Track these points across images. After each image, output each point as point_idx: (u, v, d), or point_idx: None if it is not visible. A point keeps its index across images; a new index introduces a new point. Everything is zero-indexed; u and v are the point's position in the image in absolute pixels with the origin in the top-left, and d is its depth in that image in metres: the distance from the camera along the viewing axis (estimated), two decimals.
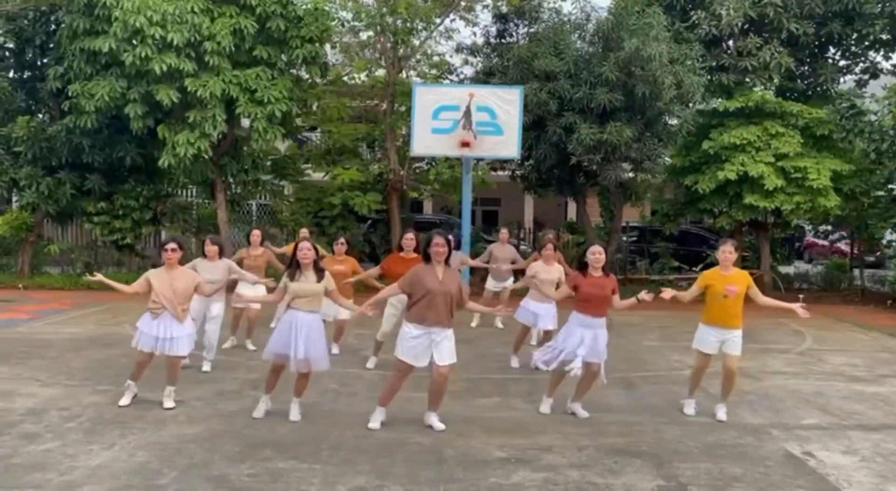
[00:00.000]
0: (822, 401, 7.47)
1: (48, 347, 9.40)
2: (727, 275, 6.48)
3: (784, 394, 7.65)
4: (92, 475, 5.03)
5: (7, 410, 6.54)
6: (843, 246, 22.18)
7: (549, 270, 8.39)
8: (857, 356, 9.96)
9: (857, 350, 10.47)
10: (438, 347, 5.96)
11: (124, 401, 6.68)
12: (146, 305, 6.63)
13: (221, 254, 8.06)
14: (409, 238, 8.34)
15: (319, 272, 6.22)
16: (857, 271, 18.39)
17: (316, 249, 6.33)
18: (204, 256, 8.00)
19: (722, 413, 6.67)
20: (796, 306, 6.52)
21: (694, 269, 18.83)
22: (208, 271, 7.70)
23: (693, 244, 19.95)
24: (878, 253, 19.89)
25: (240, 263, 9.04)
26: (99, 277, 6.83)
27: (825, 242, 25.15)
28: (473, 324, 11.49)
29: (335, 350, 9.05)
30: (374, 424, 6.16)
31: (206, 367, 8.09)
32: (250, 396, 7.17)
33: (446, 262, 6.04)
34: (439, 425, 6.18)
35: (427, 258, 5.99)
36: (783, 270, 18.77)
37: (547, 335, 8.61)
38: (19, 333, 10.58)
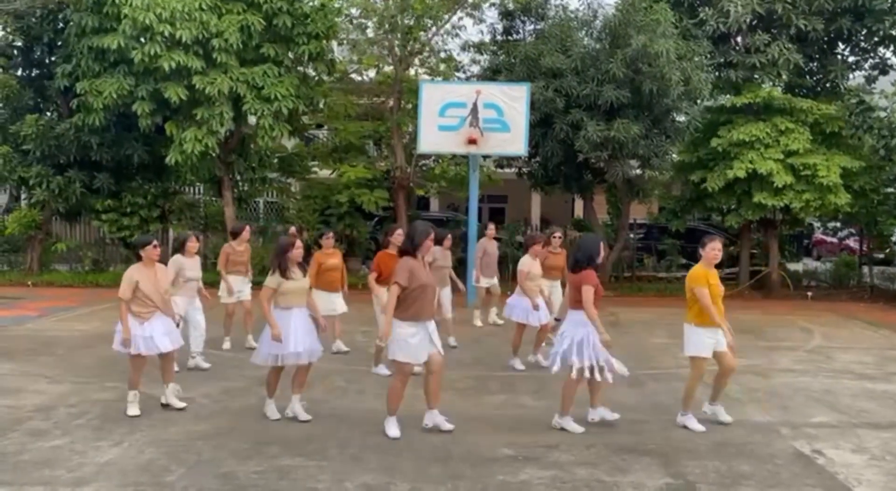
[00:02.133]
0: (831, 399, 7.43)
1: (56, 344, 9.45)
2: (714, 272, 6.17)
3: (792, 392, 7.61)
4: (100, 472, 5.05)
5: (15, 407, 6.58)
6: (852, 243, 22.03)
7: (533, 264, 8.47)
8: (867, 354, 9.90)
9: (867, 347, 10.42)
10: (434, 339, 5.88)
11: (133, 411, 6.35)
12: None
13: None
14: (400, 234, 7.82)
15: (302, 268, 6.36)
16: (866, 268, 18.29)
17: (306, 247, 6.49)
18: (182, 252, 7.73)
19: (724, 414, 6.38)
20: (728, 339, 6.11)
21: None
22: (190, 268, 7.70)
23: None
24: (888, 250, 19.78)
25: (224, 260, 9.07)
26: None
27: (834, 239, 24.97)
28: (478, 323, 11.41)
29: (343, 347, 9.07)
30: (395, 432, 5.84)
31: (199, 360, 8.04)
32: (258, 393, 7.17)
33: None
34: (447, 425, 6.00)
35: (415, 252, 5.88)
36: (792, 267, 18.67)
37: (542, 329, 8.45)
38: (28, 329, 10.64)
